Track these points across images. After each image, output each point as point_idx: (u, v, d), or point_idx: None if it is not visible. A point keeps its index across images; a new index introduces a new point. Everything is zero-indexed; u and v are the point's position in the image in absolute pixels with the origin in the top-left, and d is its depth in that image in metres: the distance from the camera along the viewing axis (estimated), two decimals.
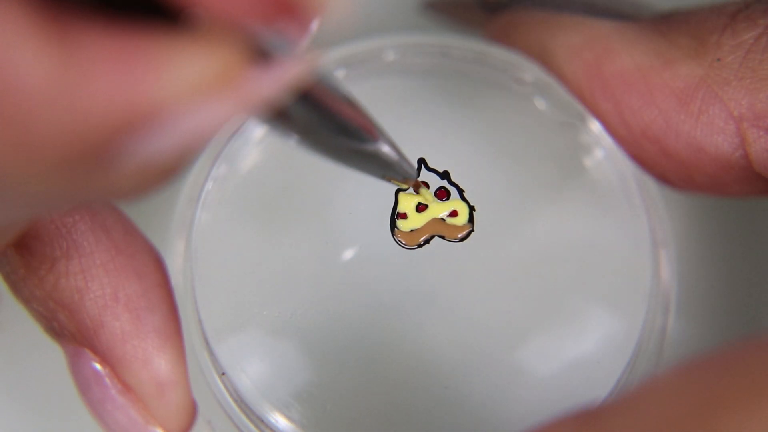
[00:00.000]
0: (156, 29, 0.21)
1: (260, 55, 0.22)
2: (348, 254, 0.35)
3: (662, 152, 0.35)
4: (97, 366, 0.32)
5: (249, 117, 0.23)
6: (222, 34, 0.22)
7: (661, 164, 0.35)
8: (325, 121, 0.26)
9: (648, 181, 0.36)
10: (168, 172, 0.23)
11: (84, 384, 0.32)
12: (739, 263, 0.41)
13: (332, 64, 0.37)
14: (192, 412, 0.33)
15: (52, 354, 0.40)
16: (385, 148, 0.29)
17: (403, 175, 0.31)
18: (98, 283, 0.32)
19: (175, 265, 0.36)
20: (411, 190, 0.34)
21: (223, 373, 0.35)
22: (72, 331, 0.32)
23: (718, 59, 0.34)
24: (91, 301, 0.31)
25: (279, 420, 0.34)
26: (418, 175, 0.34)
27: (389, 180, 0.31)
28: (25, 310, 0.32)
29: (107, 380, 0.32)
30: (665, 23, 0.35)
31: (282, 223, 0.35)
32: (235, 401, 0.35)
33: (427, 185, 0.34)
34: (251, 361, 0.35)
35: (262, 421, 0.35)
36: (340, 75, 0.37)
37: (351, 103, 0.27)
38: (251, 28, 0.22)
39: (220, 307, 0.35)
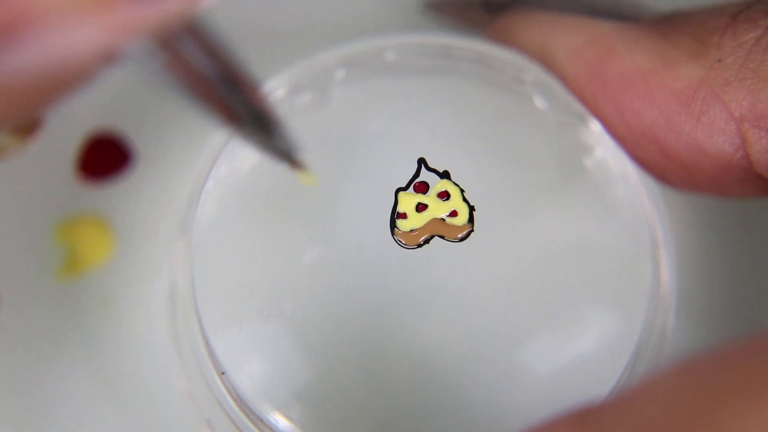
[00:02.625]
0: None
1: None
2: (348, 254, 0.35)
3: (663, 153, 0.35)
4: None
5: (123, 49, 0.22)
6: None
7: (661, 165, 0.35)
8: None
9: (648, 181, 0.36)
10: (34, 97, 0.22)
11: None
12: (739, 263, 0.41)
13: (332, 64, 0.37)
14: None
15: (53, 354, 0.40)
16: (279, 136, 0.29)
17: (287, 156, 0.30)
18: None
19: (175, 265, 0.36)
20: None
21: (223, 373, 0.35)
22: None
23: (719, 60, 0.34)
24: None
25: (279, 420, 0.34)
26: (418, 176, 0.34)
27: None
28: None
29: None
30: (666, 24, 0.35)
31: (282, 222, 0.35)
32: (235, 401, 0.35)
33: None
34: (251, 361, 0.35)
35: (262, 421, 0.35)
36: (340, 75, 0.37)
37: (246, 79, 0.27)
38: None
39: (219, 307, 0.35)
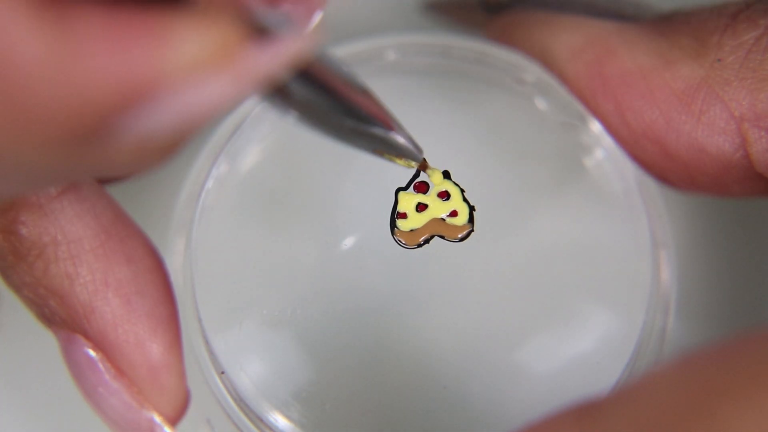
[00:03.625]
0: (155, 5, 0.21)
1: (259, 31, 0.22)
2: (348, 254, 0.35)
3: (663, 153, 0.35)
4: (90, 351, 0.32)
5: (249, 95, 0.23)
6: (220, 9, 0.22)
7: (661, 164, 0.35)
8: (331, 104, 0.25)
9: (648, 181, 0.36)
10: (167, 149, 0.23)
11: (77, 370, 0.32)
12: (739, 263, 0.41)
13: None
14: (186, 396, 0.32)
15: (53, 353, 0.40)
16: (400, 138, 0.29)
17: (411, 158, 0.31)
18: (87, 269, 0.31)
19: (175, 264, 0.36)
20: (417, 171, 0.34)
21: (223, 372, 0.35)
22: (63, 317, 0.32)
23: (719, 60, 0.34)
24: (81, 286, 0.31)
25: (278, 419, 0.34)
26: (418, 175, 0.34)
27: (382, 154, 0.31)
28: (16, 297, 0.32)
29: (100, 365, 0.32)
30: (666, 24, 0.35)
31: (282, 221, 0.35)
32: (235, 400, 0.35)
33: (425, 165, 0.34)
34: (251, 360, 0.35)
35: (262, 420, 0.35)
36: None
37: (365, 92, 0.27)
38: (251, 4, 0.22)
39: (219, 306, 0.35)
